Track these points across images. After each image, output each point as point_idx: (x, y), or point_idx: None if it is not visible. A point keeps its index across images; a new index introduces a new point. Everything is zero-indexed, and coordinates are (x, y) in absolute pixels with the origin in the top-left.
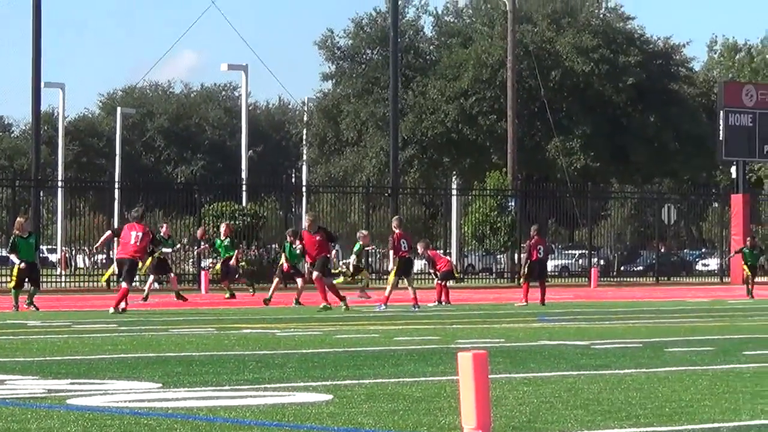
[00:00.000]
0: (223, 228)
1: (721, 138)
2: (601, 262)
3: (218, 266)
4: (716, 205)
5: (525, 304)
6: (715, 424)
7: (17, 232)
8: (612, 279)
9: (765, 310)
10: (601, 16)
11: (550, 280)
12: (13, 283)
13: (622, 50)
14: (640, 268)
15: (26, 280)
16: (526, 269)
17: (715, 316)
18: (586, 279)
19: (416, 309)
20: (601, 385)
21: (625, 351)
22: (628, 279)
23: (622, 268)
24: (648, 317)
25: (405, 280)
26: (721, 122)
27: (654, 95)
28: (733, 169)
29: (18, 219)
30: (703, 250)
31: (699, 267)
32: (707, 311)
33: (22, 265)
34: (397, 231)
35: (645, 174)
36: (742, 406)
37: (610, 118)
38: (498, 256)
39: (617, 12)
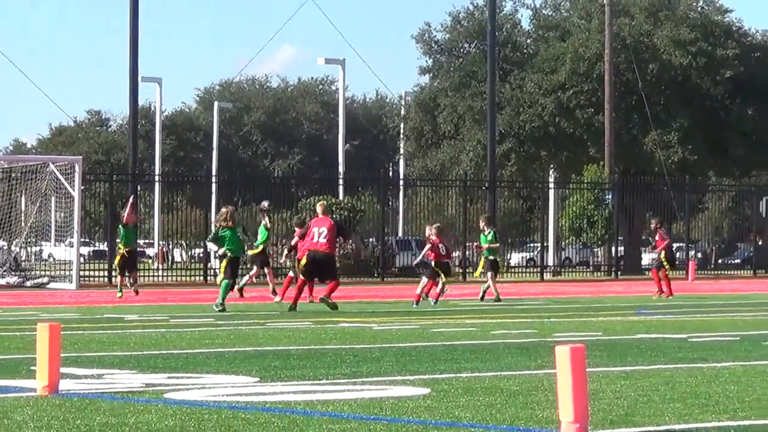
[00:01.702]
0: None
1: None
2: (699, 255)
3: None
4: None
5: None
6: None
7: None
8: (709, 272)
9: None
10: (699, 9)
11: (646, 273)
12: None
13: (720, 43)
14: (738, 261)
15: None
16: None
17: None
18: (684, 272)
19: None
20: (698, 378)
21: (722, 344)
22: (726, 272)
23: (719, 261)
24: (745, 310)
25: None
26: None
27: (752, 88)
28: None
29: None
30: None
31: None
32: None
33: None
34: (434, 238)
35: (742, 167)
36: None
37: (708, 112)
38: (595, 250)
39: (715, 5)
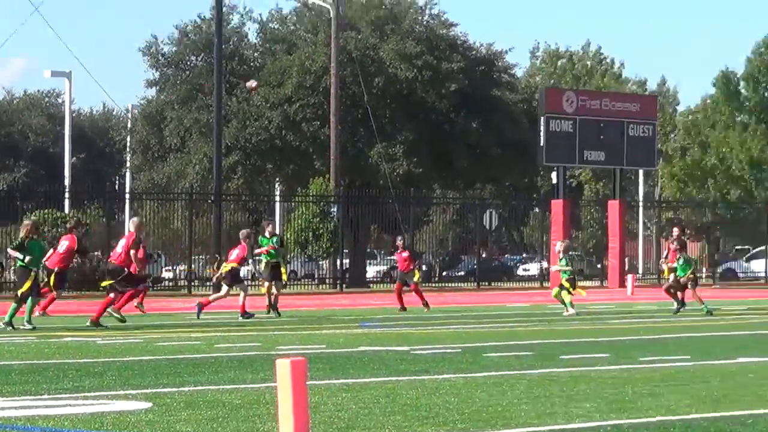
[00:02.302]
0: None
1: (542, 144)
2: (424, 267)
3: None
4: (537, 210)
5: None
6: (531, 428)
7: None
8: (434, 284)
9: (582, 314)
10: (425, 23)
11: (371, 286)
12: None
13: (445, 57)
14: (462, 273)
15: None
16: None
17: (534, 321)
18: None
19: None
20: (419, 391)
21: (444, 356)
22: (450, 284)
23: (444, 273)
24: (468, 322)
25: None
26: (542, 128)
27: (476, 101)
28: (554, 175)
29: None
30: (524, 255)
31: (520, 272)
32: (527, 316)
33: None
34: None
35: (467, 180)
36: (558, 410)
37: (433, 125)
38: (320, 262)
39: (440, 19)
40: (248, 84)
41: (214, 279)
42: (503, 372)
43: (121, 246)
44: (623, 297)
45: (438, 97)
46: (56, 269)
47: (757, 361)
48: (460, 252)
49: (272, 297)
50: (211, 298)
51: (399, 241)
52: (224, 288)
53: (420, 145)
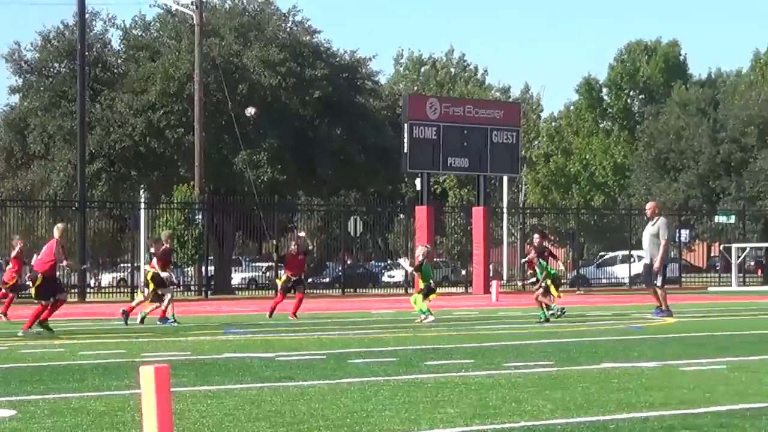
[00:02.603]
0: None
1: (405, 150)
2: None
3: None
4: (402, 216)
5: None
6: None
7: None
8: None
9: (446, 321)
10: (288, 29)
11: (237, 293)
12: None
13: (309, 64)
14: (327, 280)
15: None
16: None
17: (399, 327)
18: (274, 291)
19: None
20: (284, 397)
21: (309, 363)
22: (316, 291)
23: (309, 280)
24: (333, 329)
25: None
26: (405, 135)
27: (340, 108)
28: (418, 182)
29: None
30: (389, 261)
31: (385, 278)
32: (391, 322)
33: None
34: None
35: (332, 186)
36: (422, 416)
37: (297, 132)
38: (186, 269)
39: (304, 26)
40: (248, 111)
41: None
42: (368, 378)
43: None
44: (488, 303)
45: (302, 104)
46: None
47: (621, 366)
48: (325, 258)
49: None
50: (132, 304)
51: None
52: (146, 292)
53: (284, 152)
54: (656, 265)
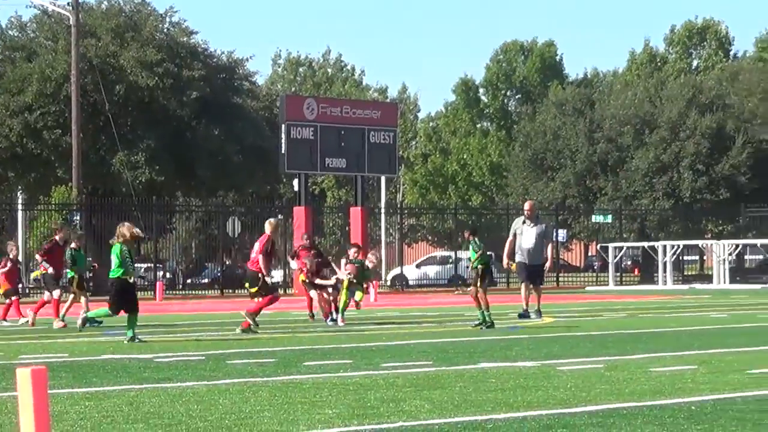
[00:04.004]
0: None
1: (283, 151)
2: (168, 275)
3: None
4: (280, 217)
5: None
6: None
7: None
8: (178, 292)
9: (320, 321)
10: (165, 30)
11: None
12: None
13: (186, 64)
14: (206, 280)
15: None
16: None
17: (277, 328)
18: (152, 292)
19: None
20: (162, 398)
21: (187, 364)
22: (195, 291)
23: (188, 280)
24: (212, 330)
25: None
26: (283, 135)
27: (218, 109)
28: (296, 182)
29: None
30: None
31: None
32: (270, 323)
33: None
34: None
35: (210, 187)
36: (300, 417)
37: (175, 132)
38: (64, 271)
39: (181, 26)
40: None
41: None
42: (246, 379)
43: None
44: (366, 303)
45: (179, 104)
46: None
47: (499, 366)
48: (204, 259)
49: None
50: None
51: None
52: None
53: (162, 152)
54: (549, 264)
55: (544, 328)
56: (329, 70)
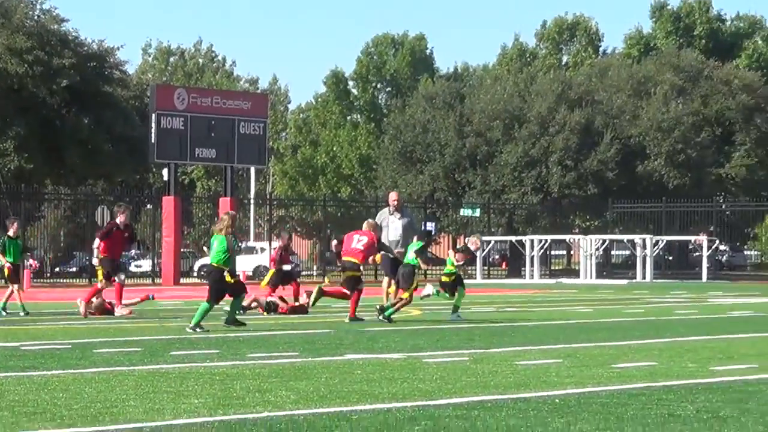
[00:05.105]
0: None
1: (153, 141)
2: (36, 263)
3: None
4: (149, 206)
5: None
6: (138, 424)
7: None
8: (46, 280)
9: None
10: (36, 17)
11: None
12: None
13: (57, 52)
14: (75, 269)
15: None
16: None
17: (145, 318)
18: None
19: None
20: (27, 387)
21: (53, 352)
22: (63, 280)
23: (56, 269)
24: (78, 318)
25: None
26: (153, 125)
27: (88, 97)
28: (165, 172)
29: None
30: (137, 252)
31: (132, 268)
32: (138, 312)
33: None
34: None
35: (79, 175)
36: (166, 406)
37: (44, 120)
38: None
39: (51, 14)
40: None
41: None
42: (112, 368)
43: (361, 244)
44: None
45: (49, 92)
46: None
47: (365, 357)
48: (72, 248)
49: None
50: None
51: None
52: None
53: (31, 140)
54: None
55: (411, 321)
56: (200, 61)
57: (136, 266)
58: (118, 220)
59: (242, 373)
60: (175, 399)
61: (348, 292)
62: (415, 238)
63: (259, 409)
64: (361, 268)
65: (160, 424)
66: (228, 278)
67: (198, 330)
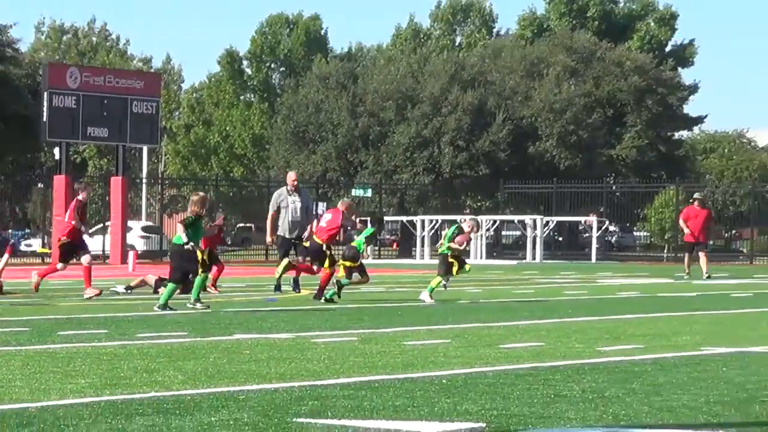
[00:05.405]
0: None
1: (44, 119)
2: None
3: None
4: (40, 186)
5: None
6: (24, 405)
7: None
8: None
9: (81, 291)
10: None
11: None
12: None
13: None
14: None
15: None
16: None
17: (35, 297)
18: None
19: None
20: None
21: None
22: None
23: None
24: None
25: None
26: (45, 103)
27: None
28: (57, 151)
29: None
30: (27, 230)
31: (23, 248)
32: (25, 292)
33: None
34: None
35: None
36: (53, 386)
37: None
38: None
39: None
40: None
41: None
42: None
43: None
44: (125, 273)
45: None
46: None
47: (253, 337)
48: None
49: None
50: None
51: None
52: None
53: None
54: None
55: (300, 301)
56: (94, 39)
57: (27, 245)
58: (80, 197)
59: (130, 353)
60: (62, 379)
61: (314, 269)
62: (369, 223)
63: (146, 389)
64: (324, 247)
65: (45, 404)
66: (199, 253)
67: (198, 305)
